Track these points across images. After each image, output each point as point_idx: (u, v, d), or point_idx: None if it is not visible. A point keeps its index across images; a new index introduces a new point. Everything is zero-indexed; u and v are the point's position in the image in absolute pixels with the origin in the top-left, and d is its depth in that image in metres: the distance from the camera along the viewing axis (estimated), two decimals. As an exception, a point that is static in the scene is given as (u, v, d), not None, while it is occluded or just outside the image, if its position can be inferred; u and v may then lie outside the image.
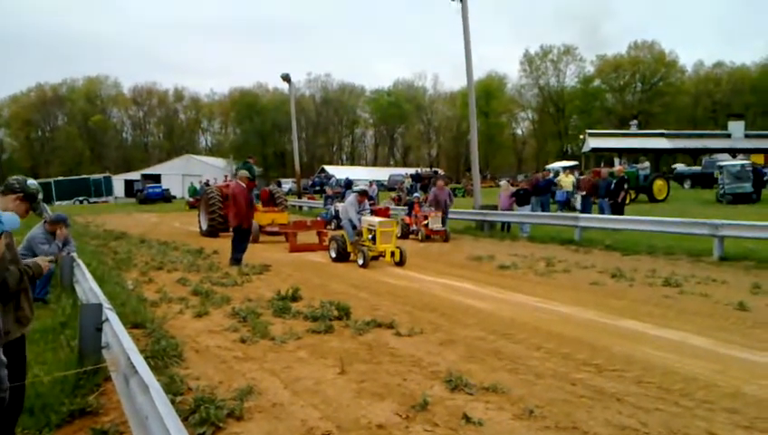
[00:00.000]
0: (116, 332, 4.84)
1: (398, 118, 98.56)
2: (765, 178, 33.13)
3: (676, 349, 6.47)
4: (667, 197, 31.83)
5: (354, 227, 13.98)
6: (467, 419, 4.52)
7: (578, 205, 20.79)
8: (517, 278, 11.58)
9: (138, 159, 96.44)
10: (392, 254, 13.31)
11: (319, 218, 20.89)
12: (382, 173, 68.60)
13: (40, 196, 4.05)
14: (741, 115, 63.25)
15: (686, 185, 41.56)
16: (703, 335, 7.04)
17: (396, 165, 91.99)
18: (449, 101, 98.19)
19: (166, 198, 58.11)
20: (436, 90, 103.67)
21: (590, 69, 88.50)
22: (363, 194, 15.45)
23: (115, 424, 4.45)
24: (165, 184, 64.86)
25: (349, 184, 38.34)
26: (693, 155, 59.45)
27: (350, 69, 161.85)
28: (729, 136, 56.98)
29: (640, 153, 51.49)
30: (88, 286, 7.44)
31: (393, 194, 31.57)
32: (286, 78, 37.31)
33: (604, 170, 23.76)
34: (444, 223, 18.57)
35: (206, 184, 38.88)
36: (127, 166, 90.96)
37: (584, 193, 21.59)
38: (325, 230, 18.22)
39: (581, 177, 21.73)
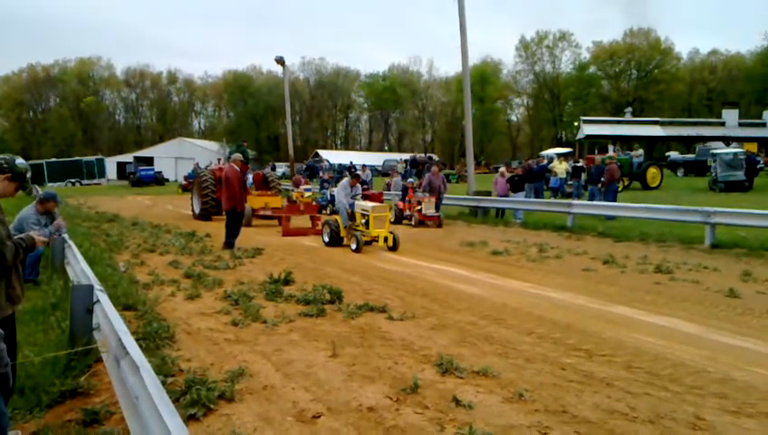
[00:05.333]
0: (107, 313, 4.83)
1: (392, 103, 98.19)
2: (758, 167, 33.23)
3: (666, 335, 6.51)
4: (660, 184, 31.92)
5: (349, 213, 13.97)
6: (457, 401, 4.55)
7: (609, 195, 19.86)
8: (509, 264, 11.62)
9: (130, 142, 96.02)
10: (385, 239, 13.31)
11: (314, 203, 20.85)
12: (376, 158, 68.48)
13: (29, 175, 4.01)
14: (735, 103, 63.44)
15: (680, 173, 41.66)
16: (693, 322, 7.09)
17: (390, 150, 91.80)
18: (444, 87, 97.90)
19: (158, 180, 58.02)
20: (432, 75, 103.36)
21: (585, 55, 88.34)
22: (356, 177, 15.42)
23: (106, 405, 4.45)
24: (158, 167, 64.71)
25: (349, 168, 37.71)
26: (687, 143, 59.63)
27: (345, 53, 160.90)
28: (723, 124, 57.24)
29: (634, 141, 51.67)
30: (79, 268, 7.41)
31: (388, 179, 31.47)
32: (280, 61, 37.06)
33: (597, 157, 23.75)
34: (437, 208, 18.60)
35: (198, 166, 38.78)
36: (119, 148, 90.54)
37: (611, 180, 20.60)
38: (318, 215, 18.19)
39: (607, 166, 20.79)
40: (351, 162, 49.28)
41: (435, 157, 57.13)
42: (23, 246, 3.77)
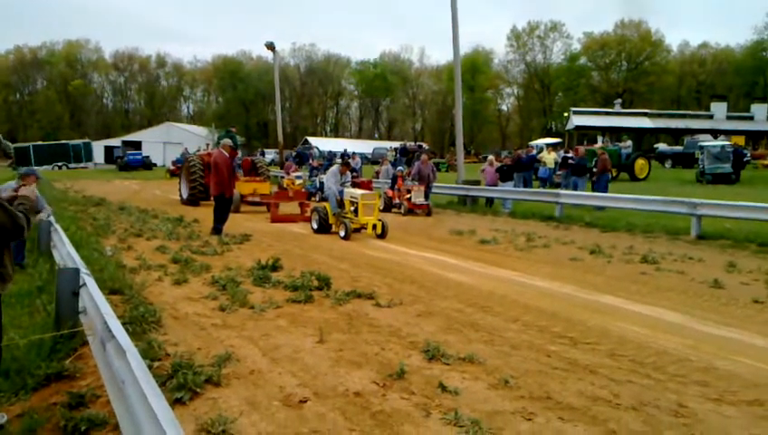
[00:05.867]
0: (93, 297, 4.82)
1: (383, 90, 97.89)
2: (745, 160, 33.53)
3: (650, 324, 6.57)
4: (648, 176, 32.11)
5: (338, 200, 13.96)
6: (443, 388, 4.58)
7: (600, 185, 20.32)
8: (497, 253, 11.66)
9: (118, 126, 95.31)
10: (374, 226, 13.31)
11: (304, 190, 20.82)
12: (366, 146, 68.33)
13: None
14: (724, 96, 63.89)
15: (668, 164, 41.92)
16: (677, 311, 7.16)
17: (380, 138, 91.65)
18: (435, 75, 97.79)
19: (146, 165, 57.75)
20: (423, 63, 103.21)
21: (576, 46, 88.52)
22: (346, 165, 15.40)
23: (91, 388, 4.45)
24: (146, 151, 64.35)
25: (343, 156, 37.23)
26: (675, 135, 59.99)
27: (336, 39, 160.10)
28: (711, 117, 57.64)
29: (623, 132, 51.86)
30: (65, 251, 7.38)
31: (377, 167, 31.46)
32: (271, 46, 36.69)
33: (581, 149, 23.80)
34: (427, 197, 18.61)
35: (187, 151, 38.55)
36: (107, 132, 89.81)
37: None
38: (307, 201, 18.16)
39: (599, 157, 21.04)
40: (346, 150, 49.09)
41: (425, 145, 57.03)
42: (26, 209, 3.76)
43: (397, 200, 18.99)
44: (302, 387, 4.62)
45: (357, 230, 13.39)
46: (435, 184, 19.95)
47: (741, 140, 48.26)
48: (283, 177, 25.88)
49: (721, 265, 9.89)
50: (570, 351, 5.62)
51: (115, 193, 26.12)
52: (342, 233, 13.15)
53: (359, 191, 13.96)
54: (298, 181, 22.15)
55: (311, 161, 36.26)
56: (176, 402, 4.19)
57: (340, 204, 13.89)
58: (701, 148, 31.34)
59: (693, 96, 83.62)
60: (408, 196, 18.38)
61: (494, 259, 10.84)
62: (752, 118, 58.69)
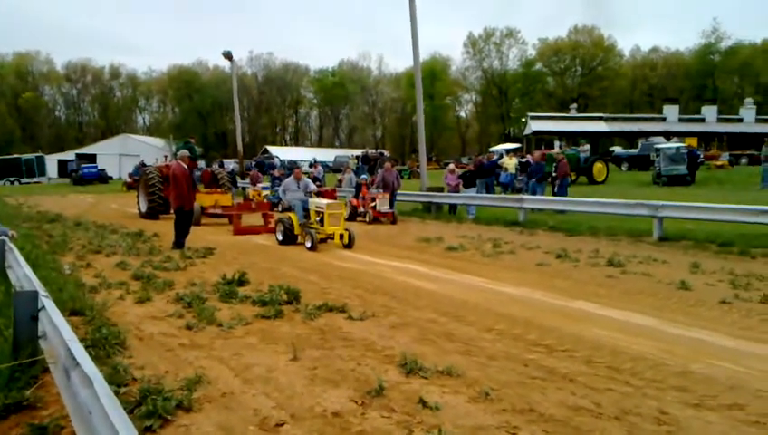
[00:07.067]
0: (54, 321, 4.55)
1: (342, 99, 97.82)
2: (699, 161, 34.39)
3: (622, 328, 6.59)
4: (606, 179, 32.69)
5: (305, 209, 13.78)
6: (424, 403, 4.46)
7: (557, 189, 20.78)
8: (465, 260, 11.63)
9: (72, 139, 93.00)
10: (341, 236, 13.15)
11: (266, 201, 20.53)
12: (327, 154, 68.10)
13: None
14: (675, 99, 65.64)
15: (624, 167, 42.77)
16: (648, 314, 7.19)
17: (341, 146, 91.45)
18: (394, 82, 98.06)
19: (102, 178, 56.58)
20: (381, 71, 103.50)
21: (531, 52, 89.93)
22: (298, 168, 15.19)
23: (55, 418, 4.20)
24: (101, 164, 63.06)
25: (310, 165, 36.90)
26: (629, 138, 61.37)
27: (293, 48, 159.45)
28: (664, 119, 59.21)
29: (580, 136, 52.88)
30: (22, 272, 7.03)
31: (340, 176, 31.28)
32: (228, 55, 36.34)
33: (537, 153, 24.08)
34: (392, 205, 18.54)
35: (143, 163, 37.75)
36: (60, 145, 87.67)
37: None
38: (270, 212, 17.91)
39: (559, 161, 21.45)
40: (315, 158, 48.71)
41: (386, 153, 57.01)
42: None
43: (362, 209, 18.87)
44: (277, 409, 4.45)
45: (323, 240, 13.21)
46: (399, 191, 19.91)
47: (693, 142, 49.63)
48: (245, 187, 25.53)
49: (685, 267, 10.04)
50: (547, 359, 5.57)
51: (70, 208, 25.39)
52: (308, 244, 12.97)
53: (324, 201, 13.80)
54: (264, 192, 21.86)
55: (273, 171, 35.88)
56: (146, 431, 3.99)
57: (306, 214, 13.71)
58: (657, 150, 32.04)
59: (645, 99, 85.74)
60: (373, 204, 18.28)
61: (462, 266, 10.79)
62: (703, 120, 60.45)
